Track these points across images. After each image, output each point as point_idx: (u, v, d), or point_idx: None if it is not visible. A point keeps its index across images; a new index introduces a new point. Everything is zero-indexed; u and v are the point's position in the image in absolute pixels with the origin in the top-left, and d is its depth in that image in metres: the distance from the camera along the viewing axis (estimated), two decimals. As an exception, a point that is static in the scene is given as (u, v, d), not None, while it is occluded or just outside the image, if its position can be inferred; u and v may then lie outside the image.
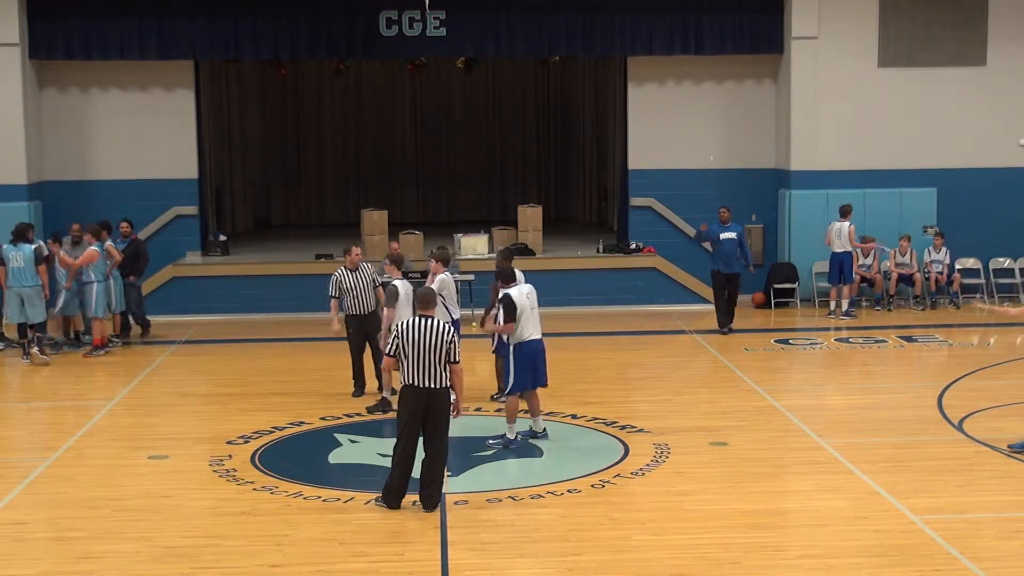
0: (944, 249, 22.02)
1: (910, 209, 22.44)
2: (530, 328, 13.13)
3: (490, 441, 13.27)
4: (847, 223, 21.26)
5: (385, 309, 14.31)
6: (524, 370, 13.10)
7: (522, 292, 13.22)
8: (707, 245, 20.13)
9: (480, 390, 15.53)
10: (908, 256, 21.96)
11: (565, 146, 30.72)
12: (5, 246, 18.11)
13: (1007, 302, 22.09)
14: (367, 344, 15.48)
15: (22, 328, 18.06)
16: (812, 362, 18.25)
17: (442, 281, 14.61)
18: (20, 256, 18.03)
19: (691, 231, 22.49)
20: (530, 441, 13.32)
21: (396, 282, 14.35)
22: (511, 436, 13.16)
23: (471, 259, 21.87)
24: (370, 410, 14.69)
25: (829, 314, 21.32)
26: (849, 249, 21.27)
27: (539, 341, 13.24)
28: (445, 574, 9.67)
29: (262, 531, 10.69)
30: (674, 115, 22.94)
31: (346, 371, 15.54)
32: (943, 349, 18.63)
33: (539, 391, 13.47)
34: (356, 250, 15.59)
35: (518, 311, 13.07)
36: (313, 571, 9.78)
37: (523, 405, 13.37)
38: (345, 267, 15.45)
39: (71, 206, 21.74)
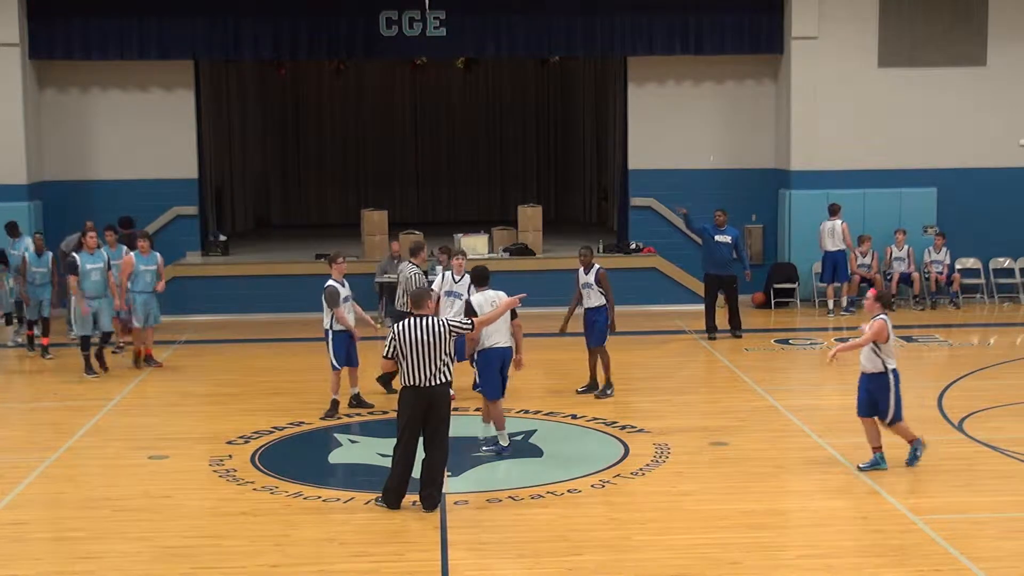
0: (944, 249, 22.02)
1: (910, 209, 22.44)
2: (496, 336, 12.87)
3: (483, 447, 13.17)
4: (838, 221, 21.36)
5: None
6: (491, 376, 12.96)
7: (487, 298, 13.03)
8: (695, 236, 20.18)
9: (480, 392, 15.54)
10: (904, 251, 21.96)
11: (565, 146, 30.72)
12: (81, 255, 17.05)
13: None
14: None
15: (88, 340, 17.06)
16: (812, 362, 18.25)
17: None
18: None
19: (691, 233, 22.48)
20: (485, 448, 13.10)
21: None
22: (504, 443, 13.05)
23: (472, 259, 21.82)
24: (323, 417, 14.59)
25: (828, 313, 21.35)
26: (842, 247, 21.35)
27: (504, 349, 12.97)
28: (445, 574, 9.67)
29: (262, 531, 10.69)
30: (674, 115, 22.95)
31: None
32: (943, 349, 18.63)
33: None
34: (424, 254, 16.16)
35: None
36: (313, 571, 9.78)
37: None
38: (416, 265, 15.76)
39: (71, 206, 21.76)
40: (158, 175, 22.34)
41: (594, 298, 15.38)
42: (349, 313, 14.67)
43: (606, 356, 15.49)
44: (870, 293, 12.56)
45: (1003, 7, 22.43)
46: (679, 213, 19.85)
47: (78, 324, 17.10)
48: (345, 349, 14.63)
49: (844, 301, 21.36)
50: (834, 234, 21.38)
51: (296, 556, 10.08)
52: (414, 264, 15.68)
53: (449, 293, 14.85)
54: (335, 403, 14.68)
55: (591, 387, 15.58)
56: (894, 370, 12.13)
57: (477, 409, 14.76)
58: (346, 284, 14.78)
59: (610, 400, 15.34)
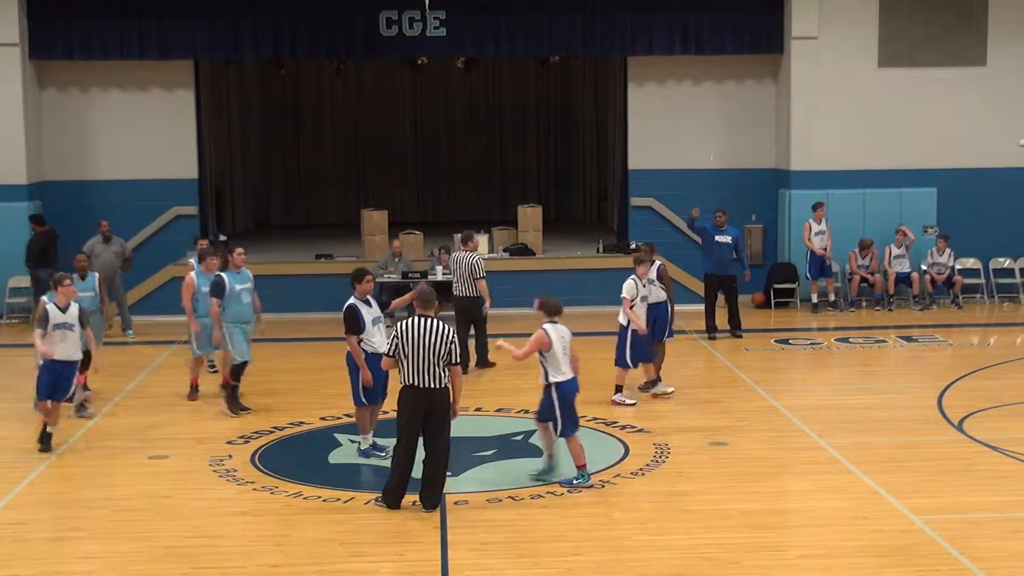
0: (948, 251, 22.01)
1: (910, 209, 22.45)
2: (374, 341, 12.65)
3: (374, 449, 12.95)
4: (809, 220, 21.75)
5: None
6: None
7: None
8: (695, 236, 20.29)
9: (480, 391, 15.54)
10: (903, 248, 21.97)
11: (565, 146, 30.71)
12: (228, 274, 14.94)
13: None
14: (471, 326, 16.98)
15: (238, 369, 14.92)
16: (812, 362, 18.26)
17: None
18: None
19: (692, 233, 22.51)
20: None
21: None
22: (364, 445, 12.95)
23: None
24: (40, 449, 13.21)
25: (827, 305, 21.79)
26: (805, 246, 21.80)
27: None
28: (445, 574, 9.68)
29: (262, 531, 10.71)
30: (674, 115, 22.95)
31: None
32: (943, 349, 18.64)
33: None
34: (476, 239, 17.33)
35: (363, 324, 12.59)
36: (313, 571, 9.78)
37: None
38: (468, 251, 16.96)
39: (71, 206, 21.77)
40: (158, 175, 22.34)
41: (655, 294, 15.55)
42: (62, 342, 13.02)
43: (662, 352, 15.66)
44: (536, 302, 12.06)
45: (1003, 7, 22.43)
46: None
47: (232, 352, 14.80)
48: (51, 379, 13.09)
49: (830, 297, 21.76)
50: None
51: (296, 556, 10.08)
52: (468, 251, 16.73)
53: (643, 299, 15.14)
54: (45, 434, 13.24)
55: (653, 382, 15.72)
56: (557, 384, 11.68)
57: (478, 409, 14.79)
58: (73, 308, 13.22)
59: (610, 400, 15.34)
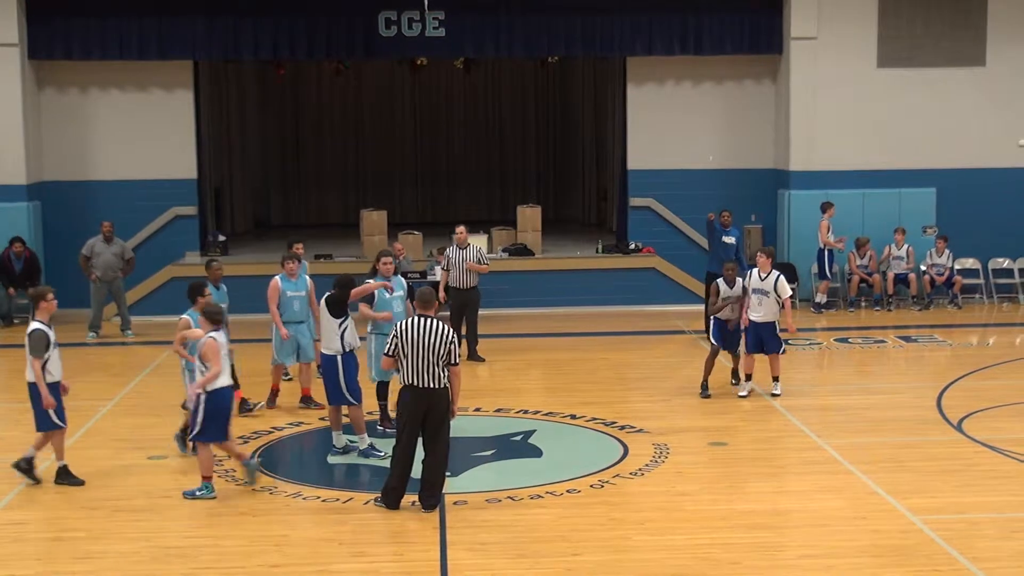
0: (947, 252, 22.00)
1: (910, 209, 22.44)
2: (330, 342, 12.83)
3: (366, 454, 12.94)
4: (822, 219, 21.49)
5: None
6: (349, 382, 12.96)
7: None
8: (704, 240, 20.30)
9: (479, 391, 15.54)
10: (903, 250, 21.96)
11: (565, 146, 30.71)
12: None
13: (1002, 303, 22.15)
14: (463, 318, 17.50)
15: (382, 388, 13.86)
16: (812, 362, 18.26)
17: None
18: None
19: (691, 231, 22.52)
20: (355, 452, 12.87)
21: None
22: (363, 446, 12.97)
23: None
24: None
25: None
26: (819, 245, 21.57)
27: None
28: (445, 574, 9.68)
29: (262, 531, 10.70)
30: (674, 115, 22.93)
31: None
32: (942, 349, 18.64)
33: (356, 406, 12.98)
34: (461, 229, 17.84)
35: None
36: (313, 571, 9.79)
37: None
38: (457, 245, 17.58)
39: (71, 206, 21.76)
40: (157, 175, 22.32)
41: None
42: (61, 360, 12.28)
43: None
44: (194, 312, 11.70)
45: (1002, 7, 22.42)
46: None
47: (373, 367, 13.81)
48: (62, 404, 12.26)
49: (823, 299, 21.70)
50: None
51: (296, 556, 10.09)
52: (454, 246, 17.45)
53: (756, 291, 15.30)
54: (63, 469, 12.18)
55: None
56: (218, 390, 11.45)
57: (477, 409, 14.78)
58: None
59: (610, 400, 15.36)
